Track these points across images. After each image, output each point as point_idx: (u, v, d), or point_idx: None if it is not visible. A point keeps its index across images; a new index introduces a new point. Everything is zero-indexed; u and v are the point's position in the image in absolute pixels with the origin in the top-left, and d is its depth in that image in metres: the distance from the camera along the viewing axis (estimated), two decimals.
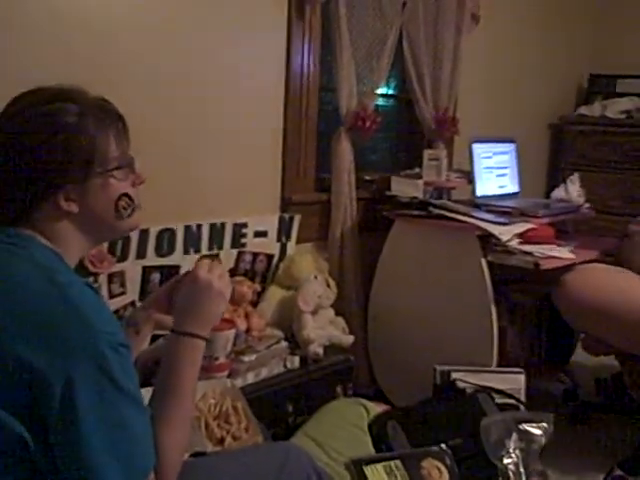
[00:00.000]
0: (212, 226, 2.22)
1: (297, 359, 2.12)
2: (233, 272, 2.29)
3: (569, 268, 2.36)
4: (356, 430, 1.86)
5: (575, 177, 2.94)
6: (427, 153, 2.79)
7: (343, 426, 1.86)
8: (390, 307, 2.63)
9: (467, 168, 2.77)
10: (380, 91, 2.78)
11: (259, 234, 2.36)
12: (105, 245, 1.93)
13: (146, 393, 1.10)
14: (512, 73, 3.52)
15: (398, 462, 1.70)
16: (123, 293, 2.01)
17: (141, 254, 2.04)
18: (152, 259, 2.07)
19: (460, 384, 2.14)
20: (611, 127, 3.73)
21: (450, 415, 1.99)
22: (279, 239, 2.43)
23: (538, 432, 1.84)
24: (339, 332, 2.29)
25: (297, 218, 2.47)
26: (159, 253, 2.08)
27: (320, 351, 2.16)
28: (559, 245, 2.43)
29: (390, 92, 3.12)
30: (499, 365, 2.35)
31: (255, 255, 2.36)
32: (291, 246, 2.47)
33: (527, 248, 2.32)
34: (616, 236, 2.64)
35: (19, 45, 1.73)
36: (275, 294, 2.32)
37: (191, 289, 1.20)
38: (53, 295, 0.96)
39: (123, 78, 1.93)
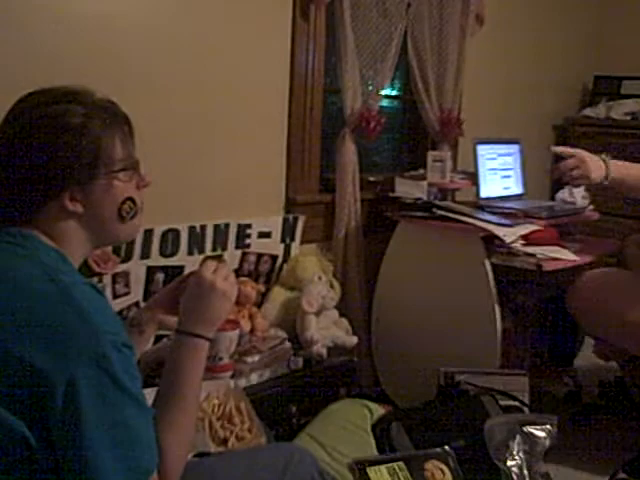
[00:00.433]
0: (216, 227, 2.22)
1: (301, 360, 2.12)
2: (237, 273, 2.30)
3: (572, 270, 2.36)
4: (359, 431, 1.86)
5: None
6: (431, 154, 2.79)
7: (346, 427, 1.86)
8: (394, 308, 2.63)
9: (471, 169, 2.77)
10: (384, 92, 2.78)
11: (263, 235, 2.37)
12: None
13: (150, 393, 1.10)
14: (517, 74, 3.51)
15: (401, 464, 1.70)
16: (127, 293, 2.01)
17: (145, 254, 2.05)
18: (156, 259, 2.07)
19: (464, 386, 2.13)
20: (616, 129, 3.72)
21: (453, 417, 1.99)
22: (283, 240, 2.44)
23: (542, 434, 1.84)
24: (343, 333, 2.29)
25: (301, 219, 2.47)
26: (163, 253, 2.09)
27: (324, 352, 2.16)
28: (562, 247, 2.43)
29: (394, 93, 3.12)
30: (503, 367, 2.34)
31: (259, 256, 2.36)
32: (295, 247, 2.47)
33: (530, 250, 2.32)
34: (619, 238, 2.64)
35: (21, 47, 1.73)
36: (279, 295, 2.32)
37: (196, 290, 1.21)
38: (56, 295, 0.96)
39: (128, 79, 1.94)
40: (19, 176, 1.04)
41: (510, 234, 2.32)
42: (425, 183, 2.67)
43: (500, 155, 2.84)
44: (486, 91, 3.30)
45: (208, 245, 2.21)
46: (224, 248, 2.26)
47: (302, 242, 2.50)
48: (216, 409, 1.66)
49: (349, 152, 2.59)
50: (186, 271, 2.03)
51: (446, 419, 1.98)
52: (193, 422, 1.14)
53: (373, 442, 1.85)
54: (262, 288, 2.28)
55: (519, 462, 1.79)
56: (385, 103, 2.97)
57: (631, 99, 3.79)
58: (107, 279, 1.95)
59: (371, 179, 2.80)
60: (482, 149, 2.72)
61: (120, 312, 1.98)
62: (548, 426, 1.85)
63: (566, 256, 2.35)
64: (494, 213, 2.49)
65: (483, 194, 2.69)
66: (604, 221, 2.97)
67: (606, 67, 3.99)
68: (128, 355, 0.98)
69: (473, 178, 2.74)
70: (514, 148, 2.94)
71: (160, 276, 2.08)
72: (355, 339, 2.31)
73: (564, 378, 2.83)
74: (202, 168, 2.20)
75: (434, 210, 2.50)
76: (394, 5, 2.66)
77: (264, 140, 2.39)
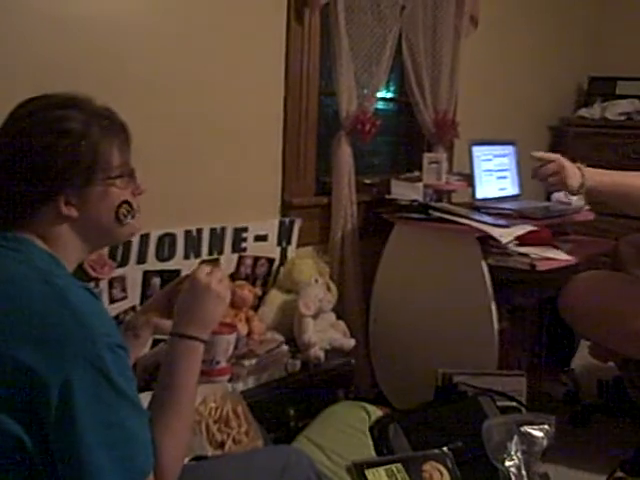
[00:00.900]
0: (212, 231, 2.22)
1: (298, 363, 2.12)
2: (234, 276, 2.30)
3: (568, 269, 2.36)
4: (357, 433, 1.86)
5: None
6: (427, 156, 2.79)
7: (344, 429, 1.86)
8: (391, 310, 2.63)
9: (467, 171, 2.77)
10: (380, 95, 2.79)
11: (259, 238, 2.37)
12: (106, 250, 1.94)
13: (146, 397, 1.10)
14: (512, 75, 3.52)
15: (399, 465, 1.70)
16: (124, 298, 2.01)
17: (142, 259, 2.05)
18: (153, 264, 2.07)
19: (461, 387, 2.13)
20: (611, 129, 3.73)
21: (451, 418, 1.99)
22: (279, 243, 2.44)
23: (540, 434, 1.84)
24: (340, 336, 2.29)
25: (297, 222, 2.48)
26: (160, 258, 2.09)
27: (321, 355, 2.16)
28: (556, 247, 2.44)
29: (389, 96, 3.13)
30: (500, 368, 2.35)
31: (256, 259, 2.36)
32: (291, 250, 2.47)
33: (524, 250, 2.33)
34: (615, 238, 2.65)
35: (19, 50, 1.74)
36: (276, 298, 2.33)
37: (190, 292, 1.21)
38: (51, 297, 0.96)
39: (124, 83, 1.94)
40: (15, 179, 1.04)
41: (506, 235, 2.32)
42: (421, 185, 2.67)
43: (496, 156, 2.85)
44: (481, 92, 3.30)
45: (204, 249, 2.21)
46: (220, 252, 2.26)
47: (298, 245, 2.50)
48: (213, 412, 1.66)
49: (345, 155, 2.59)
50: (183, 275, 2.03)
51: (444, 420, 1.98)
52: (189, 424, 1.14)
53: (371, 444, 1.85)
54: (259, 291, 2.29)
55: (517, 462, 1.79)
56: (380, 105, 2.98)
57: (626, 99, 3.80)
58: (104, 284, 1.95)
59: (367, 181, 2.81)
60: (477, 150, 2.73)
61: (117, 316, 1.98)
62: (546, 426, 1.85)
63: (559, 256, 2.36)
64: (490, 214, 2.50)
65: (479, 195, 2.70)
66: (600, 221, 2.97)
67: (601, 68, 4.01)
68: (123, 357, 0.99)
69: (469, 179, 2.75)
70: (509, 149, 2.95)
71: (157, 280, 2.08)
72: (352, 341, 2.31)
73: (562, 378, 2.83)
74: (198, 172, 2.20)
75: (430, 212, 2.50)
76: (388, 8, 2.66)
77: (260, 143, 2.40)
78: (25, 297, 0.97)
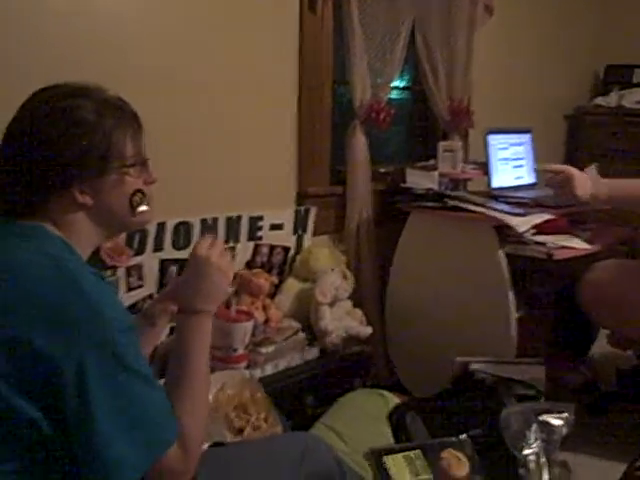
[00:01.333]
0: (228, 219, 2.23)
1: (315, 350, 2.12)
2: (250, 264, 2.30)
3: (585, 258, 2.34)
4: (375, 420, 1.86)
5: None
6: (442, 145, 2.78)
7: (362, 417, 1.86)
8: (407, 298, 2.63)
9: (482, 159, 2.76)
10: (394, 83, 2.77)
11: (275, 227, 2.37)
12: (123, 238, 1.94)
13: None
14: (528, 64, 3.50)
15: (418, 452, 1.70)
16: (141, 286, 2.02)
17: (158, 247, 2.05)
18: (169, 252, 2.08)
19: (479, 375, 2.12)
20: (627, 117, 3.70)
21: (469, 406, 1.98)
22: (295, 232, 2.44)
23: (558, 423, 1.82)
24: (357, 323, 2.29)
25: (313, 211, 2.47)
26: (176, 246, 2.09)
27: (338, 342, 2.16)
28: (573, 235, 2.42)
29: (404, 84, 3.11)
30: (518, 356, 2.33)
31: (272, 248, 2.36)
32: (307, 239, 2.47)
33: (540, 239, 2.31)
34: (634, 226, 2.62)
35: (29, 45, 1.74)
36: (292, 286, 2.33)
37: (191, 267, 1.20)
38: (62, 282, 0.97)
39: (138, 73, 1.94)
40: (30, 169, 1.05)
41: (523, 223, 2.31)
42: (436, 173, 2.66)
43: (511, 145, 2.83)
44: (496, 81, 3.28)
45: (220, 237, 2.21)
46: (236, 240, 2.26)
47: (314, 234, 2.50)
48: (231, 399, 1.66)
49: (360, 144, 2.58)
50: None
51: (462, 408, 1.98)
52: (206, 400, 1.15)
53: (389, 431, 1.85)
54: (275, 280, 2.28)
55: (536, 450, 1.78)
56: (395, 94, 2.96)
57: None
58: (121, 272, 1.96)
59: (382, 170, 2.79)
60: (493, 139, 2.71)
61: (134, 305, 1.99)
62: (565, 414, 1.83)
63: (577, 244, 2.34)
64: (506, 203, 2.48)
65: (495, 184, 2.68)
66: (618, 210, 2.95)
67: (618, 56, 3.96)
68: (133, 337, 1.00)
69: (484, 168, 2.73)
70: (525, 137, 2.92)
71: (173, 269, 2.08)
72: (369, 329, 2.30)
73: (580, 367, 2.81)
74: (214, 161, 2.20)
75: (446, 200, 2.49)
76: None
77: (275, 133, 2.39)
78: (37, 283, 0.97)
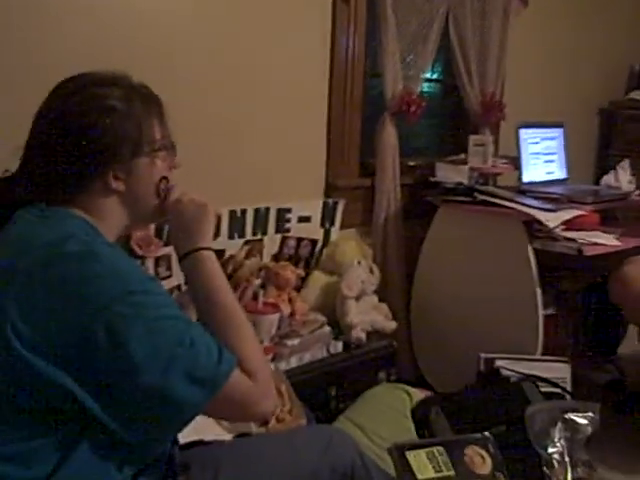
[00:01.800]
0: (256, 211, 2.24)
1: (340, 344, 2.13)
2: (277, 257, 2.31)
3: (615, 255, 2.31)
4: (398, 415, 1.87)
5: (626, 163, 2.87)
6: (472, 138, 2.76)
7: (386, 411, 1.87)
8: (433, 293, 2.62)
9: (513, 154, 2.73)
10: (425, 76, 2.75)
11: (303, 219, 2.37)
12: (152, 229, 1.96)
13: None
14: (561, 57, 3.45)
15: (441, 448, 1.69)
16: (170, 276, 2.04)
17: None
18: None
19: (504, 372, 2.12)
20: None
21: (494, 402, 1.97)
22: (323, 224, 2.44)
23: (584, 422, 1.81)
24: (382, 318, 2.29)
25: (341, 203, 2.47)
26: None
27: (363, 336, 2.17)
28: (604, 232, 2.39)
29: (435, 77, 3.09)
30: (544, 353, 2.32)
31: (299, 240, 2.37)
32: (335, 231, 2.47)
33: (571, 235, 2.29)
34: None
35: (61, 45, 1.76)
36: (319, 279, 2.33)
37: (172, 219, 1.19)
38: (80, 252, 0.97)
39: (170, 64, 1.95)
40: (65, 157, 1.06)
41: (553, 219, 2.29)
42: (466, 168, 2.64)
43: (543, 139, 2.80)
44: (529, 74, 3.24)
45: (248, 229, 2.22)
46: (264, 232, 2.27)
47: (342, 227, 2.50)
48: None
49: (389, 136, 2.57)
50: (227, 254, 2.05)
51: (486, 405, 1.97)
52: (246, 320, 1.11)
53: (412, 426, 1.85)
54: (302, 272, 2.29)
55: (560, 449, 1.77)
56: (426, 87, 2.95)
57: None
58: (150, 262, 1.98)
59: (411, 164, 2.79)
60: (525, 133, 2.68)
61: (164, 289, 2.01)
62: (590, 414, 1.82)
63: (608, 241, 2.31)
64: (537, 198, 2.46)
65: (525, 179, 2.65)
66: None
67: None
68: (157, 284, 1.02)
69: (515, 162, 2.71)
70: (558, 132, 2.89)
71: None
72: (394, 324, 2.31)
73: (607, 366, 2.79)
74: (243, 153, 2.21)
75: (475, 195, 2.47)
76: None
77: (304, 124, 2.40)
78: (56, 256, 0.97)
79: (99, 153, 1.06)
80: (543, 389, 2.05)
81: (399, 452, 1.65)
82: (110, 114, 1.07)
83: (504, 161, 2.81)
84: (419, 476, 1.56)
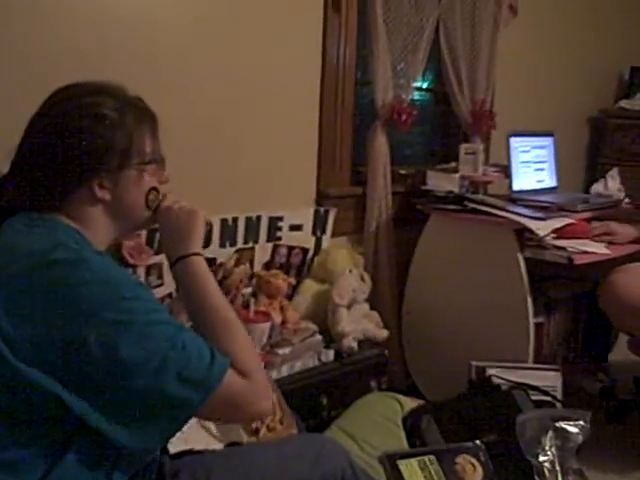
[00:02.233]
0: (248, 219, 2.24)
1: (331, 353, 2.13)
2: (268, 265, 2.31)
3: (605, 263, 2.33)
4: (390, 424, 1.86)
5: (615, 172, 2.89)
6: (463, 147, 2.77)
7: (377, 420, 1.86)
8: (425, 301, 2.62)
9: (504, 162, 2.74)
10: (416, 84, 2.76)
11: (294, 227, 2.37)
12: (143, 237, 1.96)
13: None
14: (551, 66, 3.47)
15: (432, 457, 1.69)
16: (161, 285, 2.03)
17: None
18: None
19: (495, 380, 2.12)
20: None
21: (485, 411, 1.97)
22: (314, 233, 2.44)
23: (575, 430, 1.81)
24: (373, 326, 2.29)
25: (332, 212, 2.47)
26: None
27: (354, 345, 2.17)
28: (594, 240, 2.40)
29: (426, 85, 3.10)
30: (535, 362, 2.32)
31: (290, 248, 2.37)
32: (326, 240, 2.47)
33: (561, 243, 2.30)
34: None
35: (52, 47, 1.75)
36: (310, 288, 2.33)
37: (162, 225, 1.20)
38: (70, 260, 0.97)
39: (159, 72, 1.95)
40: (53, 162, 1.07)
41: (544, 227, 2.30)
42: (457, 176, 2.65)
43: (533, 148, 2.81)
44: (519, 83, 3.26)
45: (240, 237, 2.22)
46: (256, 240, 2.27)
47: (333, 235, 2.50)
48: None
49: (380, 145, 2.58)
50: (218, 263, 2.04)
51: (477, 413, 1.97)
52: (239, 323, 1.12)
53: (403, 435, 1.85)
54: (293, 281, 2.29)
55: (551, 457, 1.77)
56: (417, 95, 2.96)
57: None
58: (141, 271, 1.97)
59: (402, 172, 2.79)
60: (515, 141, 2.70)
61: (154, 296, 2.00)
62: (581, 422, 1.82)
63: (598, 249, 2.32)
64: (527, 206, 2.47)
65: (516, 187, 2.67)
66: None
67: None
68: (148, 292, 1.03)
69: (506, 171, 2.72)
70: (548, 140, 2.91)
71: None
72: (386, 332, 2.31)
73: (598, 374, 2.79)
74: (234, 161, 2.21)
75: (466, 203, 2.48)
76: None
77: (295, 133, 2.40)
78: (47, 265, 0.97)
79: (86, 159, 1.07)
80: (534, 397, 2.05)
81: (390, 461, 1.65)
82: (101, 121, 1.08)
83: (495, 169, 2.82)
84: None
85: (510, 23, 3.03)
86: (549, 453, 1.77)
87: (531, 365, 2.28)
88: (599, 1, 3.73)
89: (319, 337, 2.13)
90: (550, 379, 2.17)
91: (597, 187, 2.85)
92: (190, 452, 1.30)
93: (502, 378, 2.12)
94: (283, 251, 2.35)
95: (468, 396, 2.12)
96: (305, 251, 2.41)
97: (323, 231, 2.46)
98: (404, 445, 1.82)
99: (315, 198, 2.49)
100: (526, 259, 2.32)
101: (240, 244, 2.22)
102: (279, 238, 2.34)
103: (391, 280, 2.64)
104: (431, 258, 2.62)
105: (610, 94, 4.02)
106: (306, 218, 2.41)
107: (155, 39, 1.96)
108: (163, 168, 1.19)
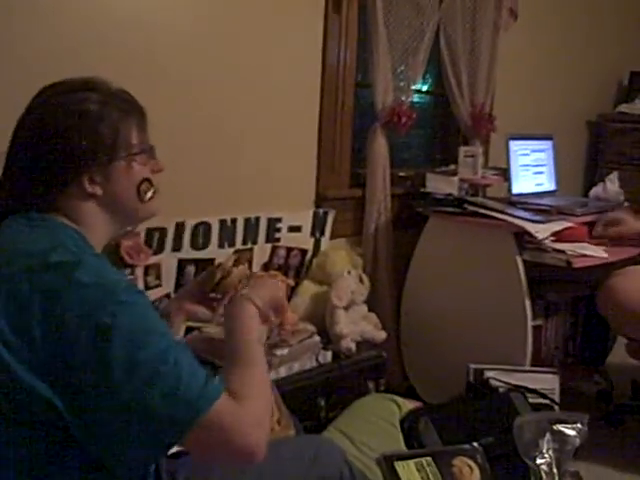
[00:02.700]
0: (247, 220, 2.24)
1: (329, 354, 2.13)
2: (267, 266, 2.31)
3: (604, 267, 2.33)
4: (387, 426, 1.86)
5: (614, 175, 2.90)
6: (463, 150, 2.77)
7: (375, 421, 1.86)
8: (423, 304, 2.62)
9: (503, 165, 2.75)
10: (416, 87, 2.77)
11: (293, 229, 2.38)
12: (142, 237, 1.96)
13: None
14: (551, 70, 3.47)
15: (429, 459, 1.69)
16: (159, 285, 2.04)
17: (177, 247, 2.07)
18: (187, 252, 2.09)
19: (493, 383, 2.12)
20: None
21: (483, 413, 1.98)
22: (313, 234, 2.44)
23: (572, 433, 1.81)
24: (372, 328, 2.29)
25: (331, 213, 2.48)
26: (194, 246, 2.11)
27: (352, 346, 2.17)
28: (593, 244, 2.40)
29: (426, 88, 3.10)
30: (533, 364, 2.32)
31: (289, 250, 2.37)
32: (325, 241, 2.47)
33: (560, 246, 2.30)
34: None
35: (50, 48, 1.75)
36: (308, 289, 2.33)
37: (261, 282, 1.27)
38: (69, 262, 0.97)
39: (158, 74, 1.96)
40: (40, 161, 1.07)
41: (543, 231, 2.30)
42: (456, 179, 2.65)
43: (533, 151, 2.82)
44: (519, 86, 3.27)
45: (239, 238, 2.22)
46: (254, 242, 2.27)
47: (332, 237, 2.50)
48: None
49: (380, 147, 2.58)
50: (217, 263, 2.04)
51: (475, 416, 1.97)
52: (263, 371, 1.13)
53: (401, 437, 1.84)
54: (291, 282, 2.28)
55: (549, 460, 1.77)
56: (416, 98, 2.96)
57: None
58: (139, 271, 1.98)
59: (402, 174, 2.79)
60: (515, 145, 2.70)
61: (152, 304, 2.00)
62: (579, 425, 1.82)
63: (596, 253, 2.33)
64: (526, 209, 2.47)
65: (515, 190, 2.67)
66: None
67: None
68: (144, 297, 1.01)
69: (505, 174, 2.72)
70: (547, 144, 2.91)
71: (191, 269, 2.10)
72: (384, 334, 2.31)
73: (595, 377, 2.79)
74: (233, 162, 2.21)
75: (465, 206, 2.48)
76: None
77: (295, 134, 2.40)
78: (44, 267, 0.97)
79: (74, 156, 1.07)
80: (532, 400, 2.06)
81: (388, 463, 1.65)
82: (86, 118, 1.08)
83: (494, 172, 2.83)
84: None
85: (510, 27, 3.03)
86: (546, 456, 1.77)
87: (529, 368, 2.28)
88: (599, 6, 3.74)
89: (317, 338, 2.13)
90: (548, 382, 2.18)
91: (596, 191, 2.85)
92: (187, 452, 1.29)
93: (500, 381, 2.12)
94: (282, 252, 2.35)
95: (466, 398, 2.12)
96: (304, 252, 2.42)
97: (322, 233, 2.46)
98: (401, 447, 1.81)
99: (314, 200, 2.49)
100: (525, 262, 2.32)
101: (239, 245, 2.22)
102: (278, 239, 2.34)
103: (390, 282, 2.64)
104: (430, 260, 2.62)
105: (609, 98, 4.03)
106: (305, 220, 2.41)
107: (155, 39, 1.96)
108: (154, 157, 1.19)
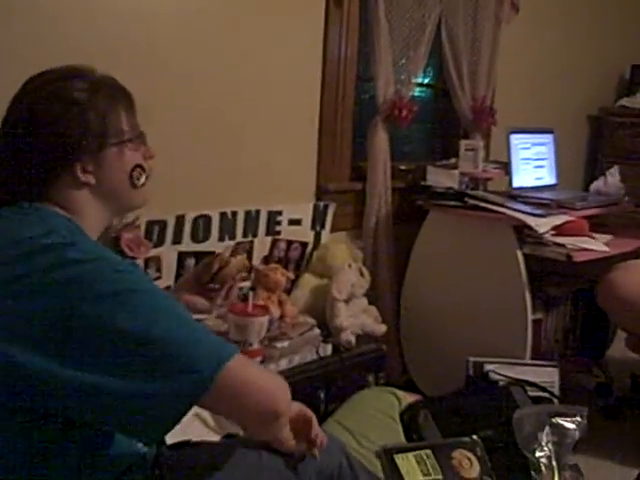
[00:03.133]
0: (247, 213, 2.24)
1: (330, 347, 2.13)
2: (267, 259, 2.31)
3: (604, 261, 2.33)
4: (387, 419, 1.86)
5: (615, 170, 2.89)
6: (463, 143, 2.77)
7: (374, 414, 1.86)
8: (423, 297, 2.63)
9: (504, 159, 2.74)
10: (417, 80, 2.76)
11: (293, 222, 2.38)
12: (142, 230, 1.96)
13: None
14: (552, 63, 3.47)
15: (429, 451, 1.70)
16: (159, 278, 2.04)
17: (177, 240, 2.07)
18: (188, 245, 2.09)
19: (493, 376, 2.12)
20: None
21: (482, 406, 1.98)
22: (313, 227, 2.44)
23: (571, 426, 1.81)
24: (372, 321, 2.30)
25: (332, 206, 2.48)
26: (195, 239, 2.11)
27: (352, 339, 2.17)
28: (593, 238, 2.40)
29: (427, 81, 3.10)
30: (533, 358, 2.33)
31: (289, 243, 2.37)
32: (325, 234, 2.47)
33: (560, 240, 2.30)
34: None
35: (52, 41, 1.75)
36: (309, 282, 2.33)
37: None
38: (64, 244, 0.97)
39: (161, 68, 1.95)
40: (31, 152, 1.06)
41: (543, 224, 2.30)
42: (457, 172, 2.65)
43: (534, 145, 2.81)
44: (520, 80, 3.26)
45: (239, 231, 2.22)
46: (255, 234, 2.27)
47: (332, 230, 2.50)
48: None
49: (381, 140, 2.58)
50: (215, 253, 2.04)
51: (475, 409, 1.97)
52: None
53: (401, 430, 1.85)
54: (292, 275, 2.29)
55: (548, 453, 1.77)
56: (417, 91, 2.95)
57: None
58: (139, 263, 1.98)
59: (402, 168, 2.79)
60: (515, 138, 2.70)
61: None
62: (578, 418, 1.82)
63: (597, 247, 2.33)
64: (527, 203, 2.47)
65: (515, 184, 2.67)
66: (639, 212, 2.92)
67: None
68: (134, 269, 1.02)
69: (506, 168, 2.72)
70: (548, 138, 2.91)
71: (191, 261, 2.10)
72: (384, 327, 2.31)
73: (595, 370, 2.80)
74: (234, 155, 2.21)
75: (466, 199, 2.48)
76: None
77: (296, 127, 2.40)
78: (40, 249, 0.97)
79: (64, 145, 1.06)
80: (531, 393, 2.06)
81: (387, 455, 1.65)
82: (73, 106, 1.07)
83: (495, 166, 2.82)
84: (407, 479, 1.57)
85: (512, 20, 3.03)
86: (546, 449, 1.78)
87: (529, 361, 2.29)
88: (600, 1, 3.72)
89: (317, 331, 2.14)
90: (547, 375, 2.18)
91: (597, 185, 2.85)
92: (187, 443, 1.30)
93: (500, 374, 2.13)
94: (282, 245, 2.35)
95: (466, 392, 2.13)
96: (304, 245, 2.42)
97: (322, 226, 2.46)
98: (401, 440, 1.82)
99: (315, 193, 2.49)
100: (525, 255, 2.33)
101: (239, 238, 2.22)
102: (278, 232, 2.34)
103: (390, 275, 2.64)
104: (430, 254, 2.62)
105: (611, 92, 4.02)
106: (305, 213, 2.41)
107: (155, 33, 1.96)
108: (144, 143, 1.18)
